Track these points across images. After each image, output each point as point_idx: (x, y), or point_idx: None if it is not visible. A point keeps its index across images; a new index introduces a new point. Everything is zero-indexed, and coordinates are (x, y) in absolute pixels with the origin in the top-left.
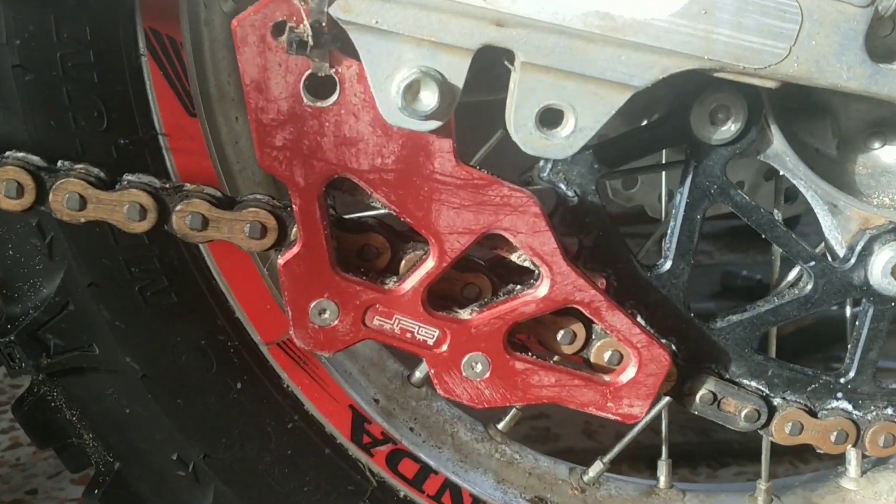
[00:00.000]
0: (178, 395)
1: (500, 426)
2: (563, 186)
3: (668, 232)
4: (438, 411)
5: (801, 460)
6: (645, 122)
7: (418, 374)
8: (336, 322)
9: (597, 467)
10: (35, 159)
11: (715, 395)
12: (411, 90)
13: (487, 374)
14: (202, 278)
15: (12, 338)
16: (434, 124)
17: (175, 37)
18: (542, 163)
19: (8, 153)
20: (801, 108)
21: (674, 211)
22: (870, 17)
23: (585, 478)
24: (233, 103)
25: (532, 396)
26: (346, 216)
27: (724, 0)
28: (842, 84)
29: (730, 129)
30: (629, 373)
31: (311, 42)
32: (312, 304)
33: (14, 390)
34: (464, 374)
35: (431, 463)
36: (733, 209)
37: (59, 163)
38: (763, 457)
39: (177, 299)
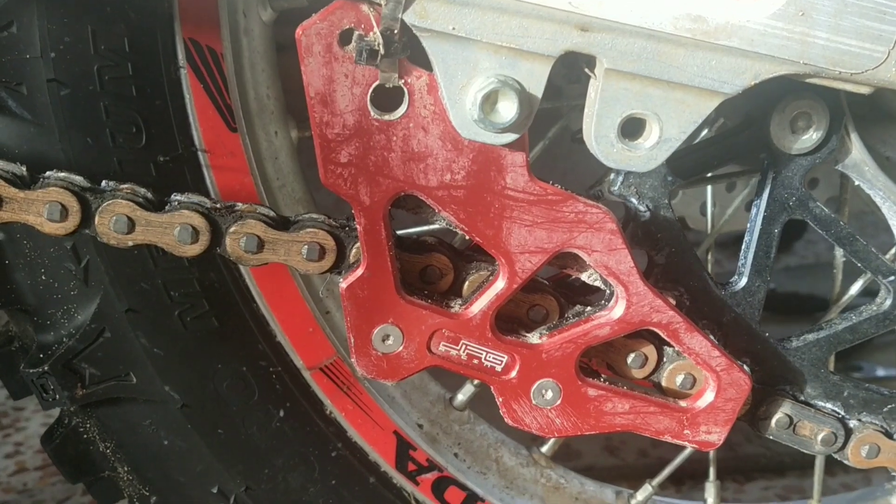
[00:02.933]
0: (218, 425)
1: (544, 449)
2: (634, 200)
3: (744, 247)
4: (482, 435)
5: (828, 473)
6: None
7: (461, 397)
8: (400, 349)
9: (645, 490)
10: (78, 179)
11: (791, 419)
12: (489, 101)
13: (558, 402)
14: (243, 301)
15: (46, 368)
16: (510, 137)
17: (215, 47)
18: (612, 176)
19: (49, 173)
20: (870, 115)
21: (749, 224)
22: None
23: (633, 502)
24: (272, 117)
25: (605, 425)
26: (399, 232)
27: (822, 1)
28: None
29: (811, 137)
30: (707, 398)
31: (381, 51)
32: (376, 331)
33: (17, 412)
34: (533, 401)
35: (478, 490)
36: (812, 222)
37: (104, 183)
38: (816, 476)
39: (217, 324)
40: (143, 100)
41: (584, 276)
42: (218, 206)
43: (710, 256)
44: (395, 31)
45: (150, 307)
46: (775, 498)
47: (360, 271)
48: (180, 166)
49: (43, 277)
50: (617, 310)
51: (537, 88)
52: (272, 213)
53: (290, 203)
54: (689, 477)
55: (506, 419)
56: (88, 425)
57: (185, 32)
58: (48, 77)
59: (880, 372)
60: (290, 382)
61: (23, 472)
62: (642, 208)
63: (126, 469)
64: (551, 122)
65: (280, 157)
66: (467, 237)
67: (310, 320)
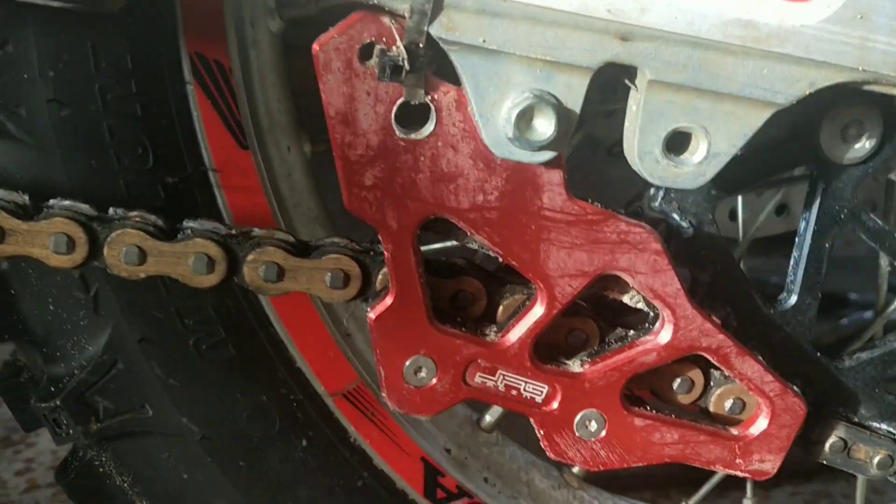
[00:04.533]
0: (239, 457)
1: (576, 470)
2: (676, 216)
3: (793, 262)
4: (512, 458)
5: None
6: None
7: (488, 419)
8: (434, 381)
9: None
10: (84, 208)
11: (845, 442)
12: (524, 118)
13: (603, 433)
14: (260, 327)
15: (58, 402)
16: (547, 155)
17: (223, 61)
18: (652, 191)
19: (53, 201)
20: None
21: (797, 239)
22: None
23: None
24: (284, 132)
25: (653, 456)
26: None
27: (882, 3)
28: None
29: (864, 146)
30: (760, 425)
31: (406, 66)
32: (408, 363)
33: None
34: (577, 433)
35: None
36: (864, 236)
37: (111, 211)
38: (858, 494)
39: (235, 352)
40: (148, 119)
41: (625, 298)
42: (234, 232)
43: (742, 265)
44: (420, 45)
45: (164, 336)
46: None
47: (388, 300)
48: (190, 187)
49: (51, 307)
50: (664, 334)
51: (576, 103)
52: (291, 239)
53: (305, 222)
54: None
55: (548, 453)
56: (104, 459)
57: (191, 46)
58: (48, 97)
59: None
60: (312, 410)
61: (34, 490)
62: (685, 224)
63: (145, 503)
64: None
65: (294, 173)
66: (501, 260)
67: (330, 344)
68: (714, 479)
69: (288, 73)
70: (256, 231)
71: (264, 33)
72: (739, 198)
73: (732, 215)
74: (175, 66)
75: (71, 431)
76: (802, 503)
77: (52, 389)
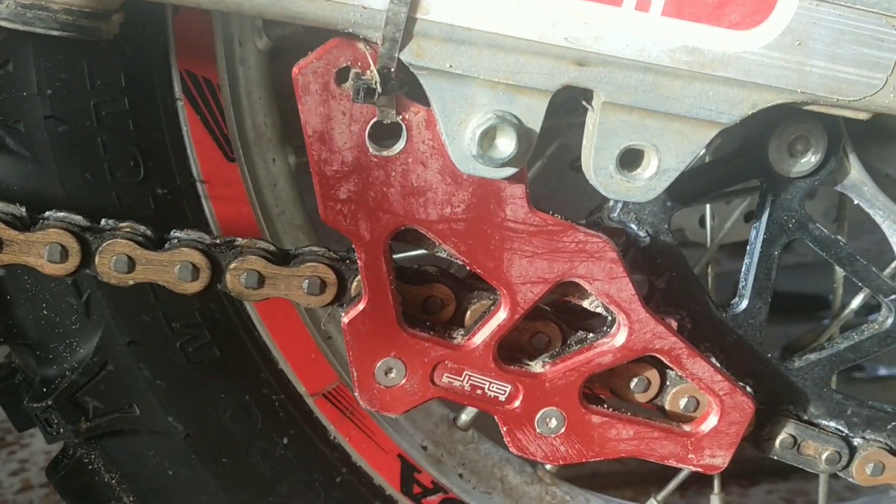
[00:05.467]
0: (223, 455)
1: (549, 466)
2: (634, 226)
3: (744, 269)
4: (486, 454)
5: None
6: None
7: (464, 417)
8: (403, 381)
9: None
10: (78, 219)
11: (795, 439)
12: (487, 137)
13: (563, 430)
14: (244, 330)
15: (49, 402)
16: (509, 171)
17: (211, 78)
18: (611, 203)
19: (48, 213)
20: (868, 133)
21: (749, 247)
22: None
23: None
24: (269, 144)
25: (610, 451)
26: (396, 256)
27: (819, 31)
28: None
29: (809, 160)
30: (711, 422)
31: (379, 89)
32: (378, 364)
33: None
34: (538, 430)
35: None
36: (811, 244)
37: (103, 221)
38: (820, 490)
39: (219, 354)
40: (140, 134)
41: (585, 303)
42: (218, 242)
43: (710, 270)
44: (392, 69)
45: (152, 339)
46: (780, 502)
47: (361, 306)
48: (178, 198)
49: (44, 312)
50: (619, 337)
51: (535, 123)
52: (272, 248)
53: (289, 230)
54: (695, 482)
55: (510, 448)
56: (93, 456)
57: (181, 65)
58: (45, 114)
59: (882, 371)
60: (294, 409)
61: (28, 490)
62: (642, 234)
63: (132, 499)
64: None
65: (278, 183)
66: (468, 268)
67: (312, 347)
68: (680, 476)
69: (274, 89)
70: (239, 241)
71: (252, 51)
72: (708, 206)
73: (702, 222)
74: (166, 83)
75: (61, 430)
76: (780, 501)
77: (45, 390)
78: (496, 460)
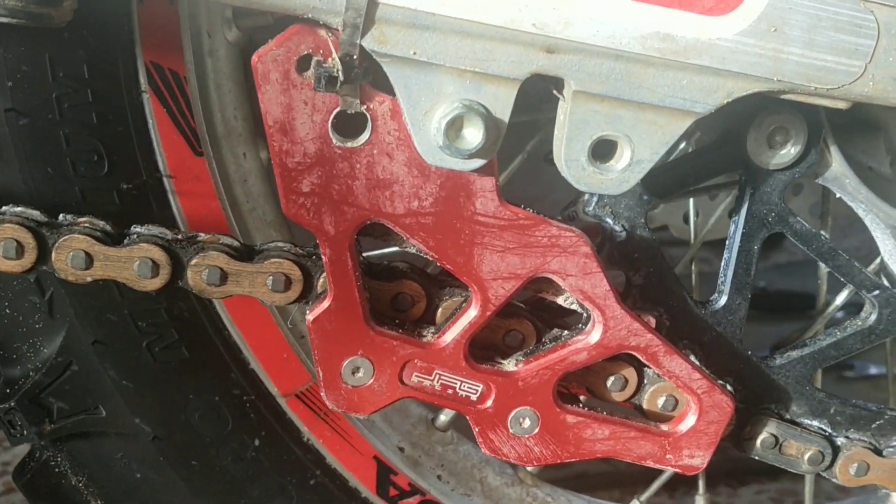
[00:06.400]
0: (192, 457)
1: (530, 468)
2: (609, 221)
3: (723, 265)
4: (466, 456)
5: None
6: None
7: (443, 418)
8: (371, 381)
9: None
10: (35, 214)
11: (777, 439)
12: (454, 127)
13: (536, 430)
14: (214, 329)
15: (12, 403)
16: (478, 163)
17: (178, 70)
18: (586, 196)
19: (4, 208)
20: (851, 125)
21: (728, 242)
22: None
23: None
24: (240, 139)
25: (585, 452)
26: (366, 253)
27: (795, 16)
28: None
29: (789, 152)
30: (689, 421)
31: (341, 77)
32: (345, 363)
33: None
34: (511, 430)
35: None
36: (792, 238)
37: (62, 217)
38: (806, 491)
39: (188, 354)
40: (104, 127)
41: (560, 300)
42: (179, 237)
43: (693, 267)
44: (355, 57)
45: (118, 339)
46: (769, 502)
47: (326, 303)
48: (145, 193)
49: (7, 311)
50: (594, 334)
51: (504, 112)
52: (236, 244)
53: (261, 227)
54: (682, 482)
55: (483, 449)
56: (59, 459)
57: (147, 56)
58: (6, 107)
59: (872, 370)
60: (265, 410)
61: (11, 493)
62: (618, 228)
63: (100, 503)
64: (530, 136)
65: (249, 179)
66: (438, 264)
67: (284, 346)
68: (664, 477)
69: (246, 82)
70: (202, 236)
71: (221, 43)
72: (691, 201)
73: (686, 218)
74: (131, 75)
75: (25, 432)
76: (769, 501)
77: (8, 391)
78: (476, 462)
